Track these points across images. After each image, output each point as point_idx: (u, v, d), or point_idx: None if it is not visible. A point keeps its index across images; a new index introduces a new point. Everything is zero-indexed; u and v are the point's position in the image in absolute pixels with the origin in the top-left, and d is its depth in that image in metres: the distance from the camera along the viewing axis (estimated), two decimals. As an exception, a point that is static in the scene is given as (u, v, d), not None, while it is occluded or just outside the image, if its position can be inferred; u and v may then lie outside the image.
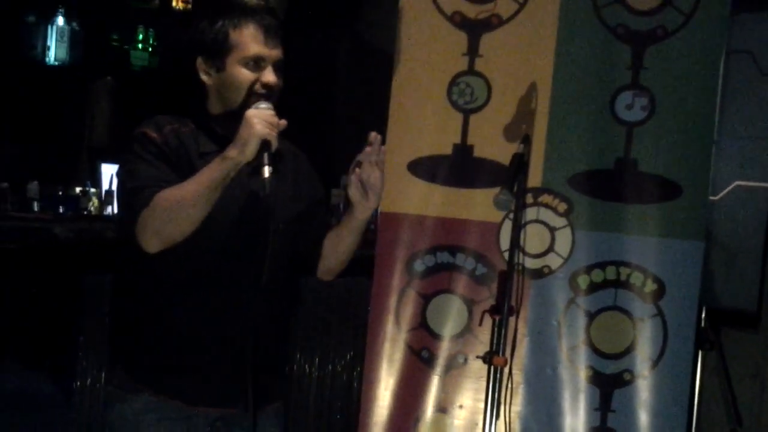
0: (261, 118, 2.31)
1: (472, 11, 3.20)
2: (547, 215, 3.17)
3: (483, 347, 2.90)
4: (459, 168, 3.20)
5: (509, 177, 2.77)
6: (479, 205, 3.16)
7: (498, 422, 2.82)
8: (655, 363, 3.12)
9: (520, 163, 2.84)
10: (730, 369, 3.86)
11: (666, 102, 3.13)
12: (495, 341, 2.80)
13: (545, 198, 3.17)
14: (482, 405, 2.85)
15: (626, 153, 3.14)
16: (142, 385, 2.42)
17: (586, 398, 3.15)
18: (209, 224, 2.33)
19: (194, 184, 2.31)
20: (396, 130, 3.18)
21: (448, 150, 3.21)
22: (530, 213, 3.15)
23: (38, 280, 3.56)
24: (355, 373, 4.14)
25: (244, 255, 2.43)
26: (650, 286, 3.13)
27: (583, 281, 3.16)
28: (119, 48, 5.64)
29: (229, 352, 2.43)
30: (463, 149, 3.20)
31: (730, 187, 3.54)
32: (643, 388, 3.13)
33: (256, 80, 2.42)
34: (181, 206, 2.30)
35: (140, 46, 5.67)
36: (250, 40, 2.42)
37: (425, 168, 3.20)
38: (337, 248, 2.62)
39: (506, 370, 2.83)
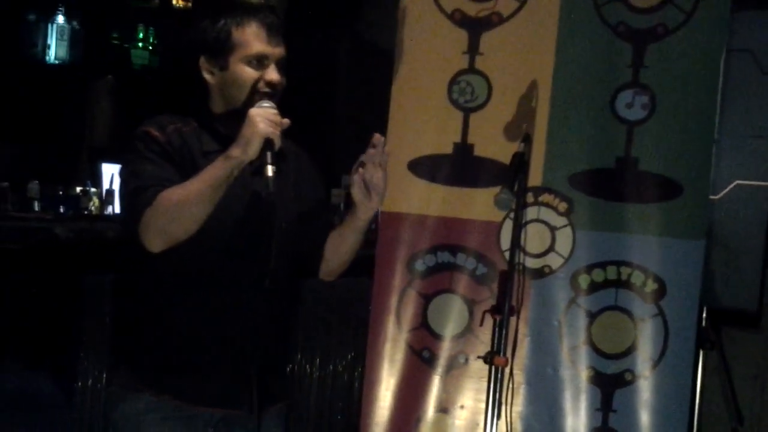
0: (264, 117, 2.31)
1: (472, 9, 3.19)
2: (547, 214, 3.16)
3: (484, 347, 2.89)
4: (459, 167, 3.19)
5: (510, 176, 2.77)
6: (480, 204, 3.15)
7: (499, 422, 2.81)
8: (656, 363, 3.11)
9: (521, 162, 2.83)
10: (731, 369, 3.86)
11: (666, 100, 3.11)
12: (496, 341, 2.80)
13: (546, 197, 3.16)
14: (483, 405, 2.84)
15: (627, 152, 3.13)
16: (145, 384, 2.42)
17: (588, 398, 3.14)
18: (212, 223, 2.33)
19: (197, 183, 2.31)
20: (396, 130, 3.17)
21: (448, 149, 3.20)
22: (531, 212, 3.14)
23: (39, 280, 3.56)
24: (356, 374, 4.13)
25: (248, 254, 2.43)
26: (651, 286, 3.13)
27: (583, 281, 3.15)
28: (119, 47, 5.64)
29: (232, 353, 2.43)
30: (464, 148, 3.20)
31: (731, 186, 3.53)
32: (644, 388, 3.12)
33: (260, 78, 2.41)
34: (185, 205, 2.29)
35: (141, 44, 5.68)
36: (253, 38, 2.42)
37: (426, 167, 3.19)
38: (339, 248, 2.62)
39: (507, 370, 2.83)
